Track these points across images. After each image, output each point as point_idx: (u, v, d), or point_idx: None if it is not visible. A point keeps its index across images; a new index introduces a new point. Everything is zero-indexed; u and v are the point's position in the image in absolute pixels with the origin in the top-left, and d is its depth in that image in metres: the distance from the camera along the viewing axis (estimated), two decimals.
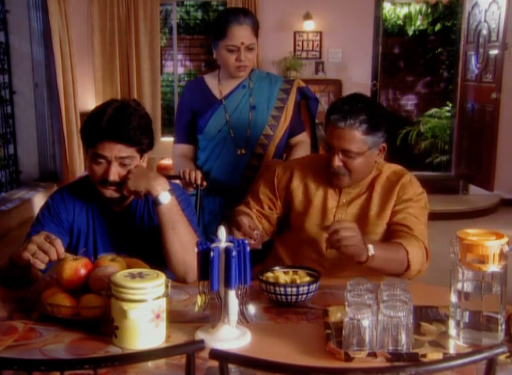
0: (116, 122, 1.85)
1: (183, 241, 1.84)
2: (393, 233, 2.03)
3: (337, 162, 2.02)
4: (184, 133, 2.65)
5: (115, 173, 1.87)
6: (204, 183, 2.41)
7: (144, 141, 1.91)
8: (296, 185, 2.18)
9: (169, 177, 2.17)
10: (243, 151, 2.53)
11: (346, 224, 1.81)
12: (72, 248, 1.97)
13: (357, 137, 1.98)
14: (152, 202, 1.89)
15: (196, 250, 1.51)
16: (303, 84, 2.64)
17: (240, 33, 2.40)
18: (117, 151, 1.86)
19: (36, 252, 1.64)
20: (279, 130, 2.55)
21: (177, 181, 2.40)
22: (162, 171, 5.14)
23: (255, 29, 2.46)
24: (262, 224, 2.18)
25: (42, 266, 1.65)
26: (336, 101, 2.14)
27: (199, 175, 2.38)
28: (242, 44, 2.41)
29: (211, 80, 2.60)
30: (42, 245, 1.65)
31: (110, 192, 1.91)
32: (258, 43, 2.52)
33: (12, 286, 1.80)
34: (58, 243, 1.66)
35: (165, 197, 1.84)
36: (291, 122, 2.56)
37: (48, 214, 1.97)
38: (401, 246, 1.92)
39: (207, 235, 2.36)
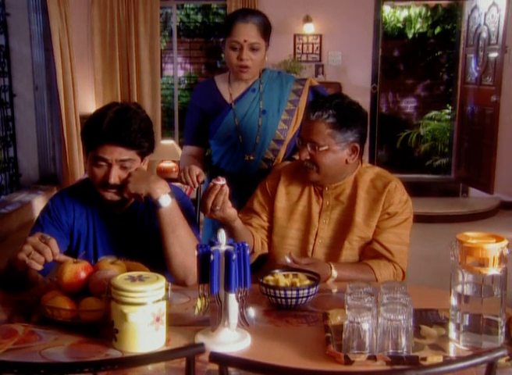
0: (117, 125, 1.85)
1: (183, 244, 1.84)
2: (374, 253, 2.06)
3: (304, 154, 2.05)
4: (193, 135, 2.62)
5: (115, 175, 1.87)
6: (203, 177, 2.37)
7: (144, 144, 1.91)
8: (281, 191, 2.19)
9: (169, 180, 2.17)
10: (252, 158, 2.50)
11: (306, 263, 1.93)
12: (72, 251, 1.97)
13: (323, 129, 2.00)
14: (152, 205, 1.89)
15: (196, 253, 1.51)
16: (315, 83, 2.59)
17: (244, 31, 2.36)
18: (117, 153, 1.86)
19: (31, 253, 1.64)
20: (290, 134, 2.51)
21: (178, 184, 2.39)
22: (162, 174, 5.14)
23: (263, 30, 2.40)
24: (264, 236, 2.20)
25: (38, 267, 1.65)
26: (317, 98, 2.19)
27: (194, 178, 2.34)
28: (245, 41, 2.36)
29: (221, 82, 2.57)
30: (37, 245, 1.65)
31: (110, 195, 1.92)
32: None
33: (11, 289, 1.80)
34: (53, 243, 1.66)
35: (166, 200, 1.85)
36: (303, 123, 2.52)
37: (48, 217, 1.97)
38: (372, 272, 2.00)
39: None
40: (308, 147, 2.04)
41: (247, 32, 2.36)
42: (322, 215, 2.13)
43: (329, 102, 2.03)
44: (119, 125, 1.86)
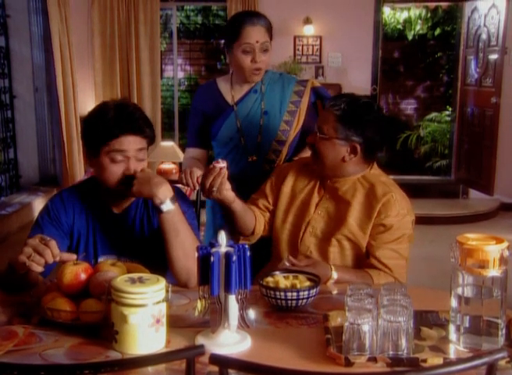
0: (124, 115, 1.88)
1: (185, 248, 1.84)
2: (372, 267, 2.05)
3: (311, 138, 2.13)
4: (195, 137, 2.63)
5: (136, 167, 1.89)
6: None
7: (151, 133, 1.94)
8: (290, 177, 2.23)
9: (170, 182, 2.17)
10: (255, 158, 2.50)
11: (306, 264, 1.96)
12: (72, 252, 1.96)
13: (331, 118, 2.06)
14: (155, 209, 1.88)
15: (196, 255, 1.51)
16: (317, 84, 2.60)
17: (255, 33, 2.38)
18: (134, 143, 1.88)
19: (31, 255, 1.64)
20: (291, 135, 2.51)
21: (179, 185, 2.39)
22: (162, 175, 5.11)
23: (269, 30, 2.43)
24: (267, 218, 2.25)
25: (39, 269, 1.64)
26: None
27: (195, 179, 2.35)
28: (257, 42, 2.37)
29: (223, 84, 2.57)
30: (37, 247, 1.64)
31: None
32: None
33: (11, 291, 1.80)
34: (53, 244, 1.66)
35: (168, 205, 1.83)
36: (305, 123, 2.51)
37: (48, 217, 1.97)
38: (371, 281, 1.99)
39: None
40: (317, 132, 2.10)
41: (258, 34, 2.39)
42: (319, 206, 2.14)
43: (346, 97, 2.09)
44: (127, 115, 1.88)
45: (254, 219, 2.19)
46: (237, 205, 2.07)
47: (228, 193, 2.00)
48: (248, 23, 2.38)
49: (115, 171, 1.89)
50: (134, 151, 1.88)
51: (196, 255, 1.51)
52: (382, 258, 2.04)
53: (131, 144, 1.87)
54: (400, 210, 2.04)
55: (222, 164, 1.95)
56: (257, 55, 2.39)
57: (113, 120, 1.86)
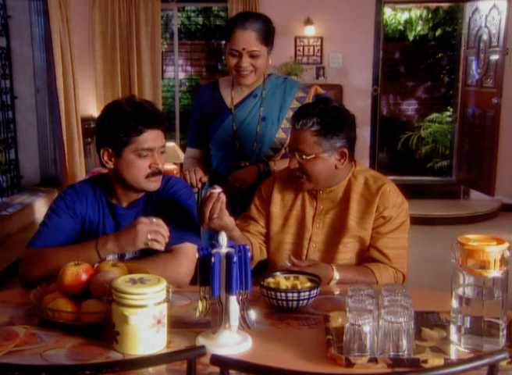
0: (143, 111, 1.89)
1: (152, 270, 1.80)
2: (372, 260, 2.06)
3: (293, 164, 2.05)
4: (194, 138, 2.62)
5: (161, 160, 1.92)
6: (205, 179, 2.38)
7: (168, 124, 1.98)
8: (276, 197, 2.19)
9: None
10: (248, 164, 2.47)
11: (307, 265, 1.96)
12: (80, 241, 1.96)
13: (309, 137, 2.00)
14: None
15: (197, 255, 1.51)
16: (321, 91, 2.52)
17: (243, 39, 2.31)
18: (158, 138, 1.92)
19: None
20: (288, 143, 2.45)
21: None
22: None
23: (263, 36, 2.33)
24: (262, 242, 2.20)
25: (161, 248, 1.76)
26: (302, 105, 2.19)
27: (198, 177, 2.35)
28: (243, 49, 2.31)
29: (224, 86, 2.53)
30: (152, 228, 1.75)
31: (155, 184, 1.94)
32: None
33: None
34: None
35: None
36: None
37: (64, 205, 1.97)
38: (372, 275, 2.00)
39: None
40: (296, 156, 2.04)
41: (246, 39, 2.31)
42: (316, 219, 2.12)
43: (313, 110, 2.01)
44: (144, 110, 1.88)
45: (251, 244, 2.12)
46: (236, 232, 2.02)
47: (229, 219, 1.93)
48: (239, 27, 2.31)
49: (144, 167, 1.91)
50: (159, 147, 1.92)
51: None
52: (382, 248, 2.04)
53: (156, 139, 1.90)
54: (396, 200, 2.07)
55: (218, 189, 1.88)
56: (243, 60, 2.33)
57: (134, 117, 1.86)
